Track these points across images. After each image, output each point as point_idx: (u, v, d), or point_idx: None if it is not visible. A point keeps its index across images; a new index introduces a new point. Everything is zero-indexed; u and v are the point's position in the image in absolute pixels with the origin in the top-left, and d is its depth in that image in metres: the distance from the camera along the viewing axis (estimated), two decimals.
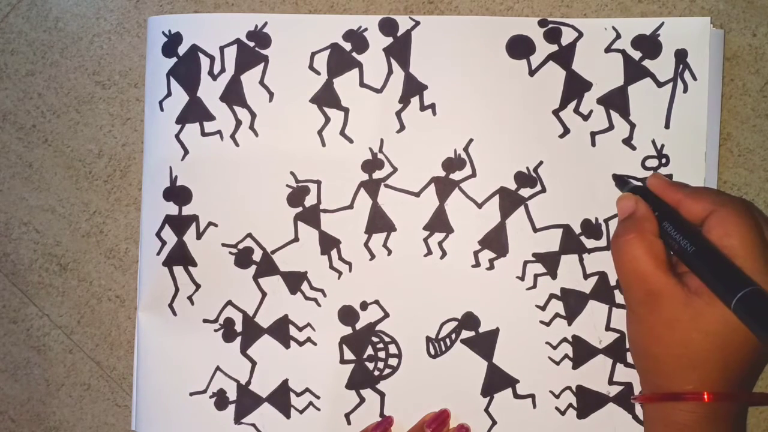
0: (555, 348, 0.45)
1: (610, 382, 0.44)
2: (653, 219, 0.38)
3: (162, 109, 0.46)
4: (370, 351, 0.46)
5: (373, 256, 0.45)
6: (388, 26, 0.45)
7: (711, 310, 0.35)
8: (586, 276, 0.45)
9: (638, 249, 0.37)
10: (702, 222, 0.37)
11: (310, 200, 0.46)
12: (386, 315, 0.45)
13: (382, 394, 0.46)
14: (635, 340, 0.38)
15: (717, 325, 0.35)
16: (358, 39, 0.45)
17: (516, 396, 0.45)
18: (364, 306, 0.46)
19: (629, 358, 0.44)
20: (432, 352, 0.45)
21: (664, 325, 0.36)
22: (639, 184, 0.42)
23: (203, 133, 0.46)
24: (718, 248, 0.35)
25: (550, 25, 0.44)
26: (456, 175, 0.45)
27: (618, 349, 0.44)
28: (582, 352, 0.45)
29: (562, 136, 0.45)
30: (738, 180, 0.45)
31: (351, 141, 0.46)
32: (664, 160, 0.44)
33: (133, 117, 0.48)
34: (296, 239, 0.46)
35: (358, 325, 0.46)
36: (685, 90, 0.44)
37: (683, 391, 0.36)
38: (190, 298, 0.46)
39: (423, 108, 0.45)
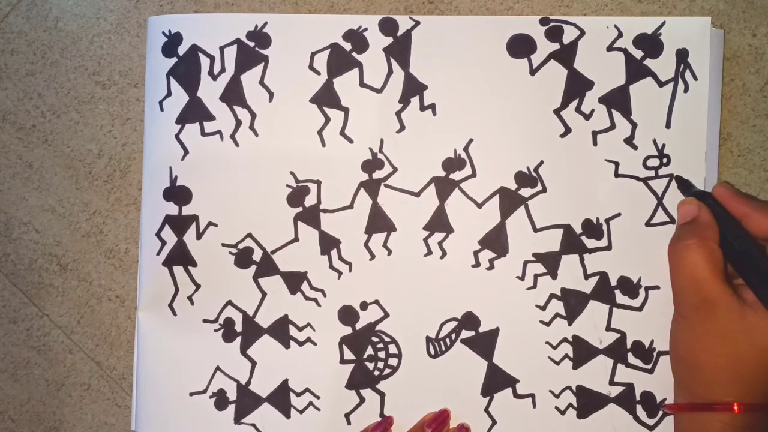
0: (555, 348, 0.44)
1: (611, 382, 0.44)
2: (715, 227, 0.38)
3: (162, 109, 0.46)
4: (370, 351, 0.46)
5: (373, 256, 0.45)
6: (388, 26, 0.45)
7: (765, 325, 0.34)
8: (586, 276, 0.45)
9: (698, 255, 0.36)
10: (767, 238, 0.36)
11: (310, 200, 0.46)
12: (386, 315, 0.45)
13: (382, 394, 0.45)
14: (681, 347, 0.38)
15: None
16: (358, 39, 0.45)
17: (516, 396, 0.45)
18: (364, 306, 0.46)
19: (630, 359, 0.44)
20: (432, 352, 0.45)
21: (715, 335, 0.36)
22: (703, 189, 0.42)
23: (203, 133, 0.46)
24: None
25: (552, 24, 0.44)
26: (456, 175, 0.45)
27: (619, 350, 0.44)
28: (582, 353, 0.44)
29: (563, 135, 0.44)
30: (738, 180, 0.45)
31: (351, 141, 0.46)
32: (665, 160, 0.44)
33: (133, 117, 0.48)
34: (296, 239, 0.46)
35: (358, 325, 0.46)
36: (686, 90, 0.44)
37: (713, 402, 0.35)
38: (190, 298, 0.46)
39: (423, 108, 0.45)
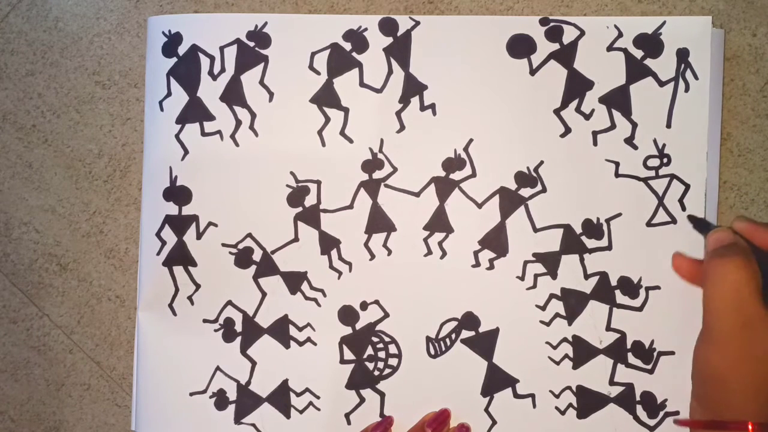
0: (555, 348, 0.44)
1: (611, 382, 0.44)
2: (752, 253, 0.37)
3: (162, 109, 0.46)
4: (370, 351, 0.46)
5: (373, 256, 0.45)
6: (388, 26, 0.45)
7: None
8: (586, 276, 0.45)
9: (743, 272, 0.35)
10: None
11: (310, 200, 0.46)
12: (386, 315, 0.45)
13: (382, 394, 0.45)
14: (712, 366, 0.36)
15: None
16: (358, 39, 0.45)
17: (516, 396, 0.45)
18: (364, 306, 0.46)
19: (630, 359, 0.44)
20: (432, 352, 0.45)
21: (755, 360, 0.35)
22: (722, 226, 0.41)
23: (203, 133, 0.46)
24: None
25: (552, 24, 0.44)
26: (456, 175, 0.45)
27: (619, 350, 0.44)
28: (582, 352, 0.44)
29: (563, 135, 0.44)
30: (738, 180, 0.45)
31: (351, 141, 0.46)
32: (665, 160, 0.44)
33: (133, 117, 0.48)
34: (296, 239, 0.46)
35: (358, 325, 0.46)
36: (687, 89, 0.44)
37: (727, 420, 0.35)
38: (190, 298, 0.46)
39: (423, 108, 0.45)
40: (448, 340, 0.45)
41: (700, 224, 0.42)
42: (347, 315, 0.46)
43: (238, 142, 0.46)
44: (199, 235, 0.46)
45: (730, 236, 0.38)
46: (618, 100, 0.44)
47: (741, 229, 0.39)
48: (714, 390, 0.37)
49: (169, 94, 0.46)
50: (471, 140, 0.45)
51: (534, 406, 0.45)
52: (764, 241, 0.38)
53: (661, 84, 0.44)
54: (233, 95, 0.46)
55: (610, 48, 0.44)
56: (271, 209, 0.46)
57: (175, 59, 0.46)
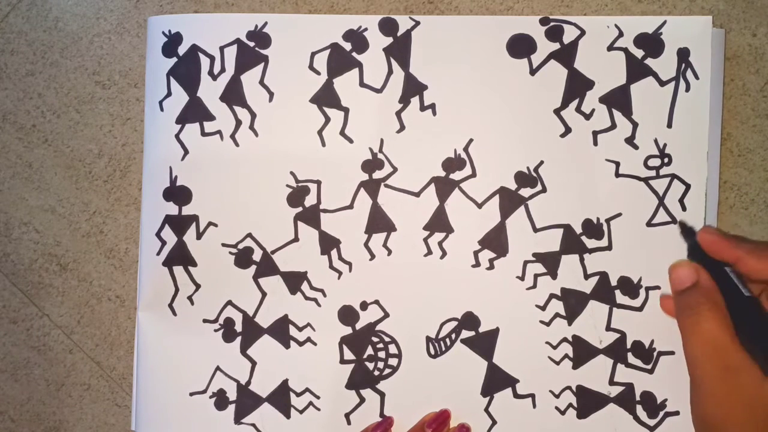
0: (555, 348, 0.44)
1: (611, 382, 0.44)
2: (718, 289, 0.37)
3: (162, 109, 0.46)
4: (370, 351, 0.46)
5: (373, 256, 0.45)
6: (388, 26, 0.45)
7: None
8: (586, 276, 0.44)
9: (714, 322, 0.35)
10: (765, 281, 0.36)
11: (310, 200, 0.46)
12: (386, 315, 0.45)
13: (382, 394, 0.45)
14: (707, 416, 0.36)
15: None
16: (358, 39, 0.45)
17: (516, 396, 0.45)
18: (364, 306, 0.46)
19: (630, 359, 0.44)
20: (432, 352, 0.45)
21: (743, 405, 0.35)
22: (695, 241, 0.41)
23: (203, 133, 0.46)
24: None
25: (552, 24, 0.44)
26: (456, 175, 0.45)
27: (619, 350, 0.44)
28: (582, 352, 0.44)
29: (563, 135, 0.44)
30: (738, 180, 0.45)
31: (351, 141, 0.45)
32: (666, 160, 0.44)
33: (133, 117, 0.48)
34: (296, 239, 0.46)
35: (358, 325, 0.46)
36: (687, 89, 0.44)
37: None
38: (190, 298, 0.46)
39: (423, 108, 0.45)
40: (448, 340, 0.45)
41: (686, 231, 0.42)
42: (347, 315, 0.46)
43: (238, 142, 0.46)
44: (199, 235, 0.46)
45: (692, 275, 0.38)
46: (618, 100, 0.44)
47: (706, 242, 0.39)
48: None
49: (169, 94, 0.46)
50: (471, 140, 0.45)
51: (534, 406, 0.45)
52: (730, 255, 0.37)
53: (662, 84, 0.44)
54: (233, 95, 0.46)
55: (610, 48, 0.44)
56: (271, 209, 0.46)
57: (175, 59, 0.46)
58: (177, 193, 0.46)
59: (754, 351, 0.35)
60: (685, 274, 0.38)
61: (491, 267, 0.45)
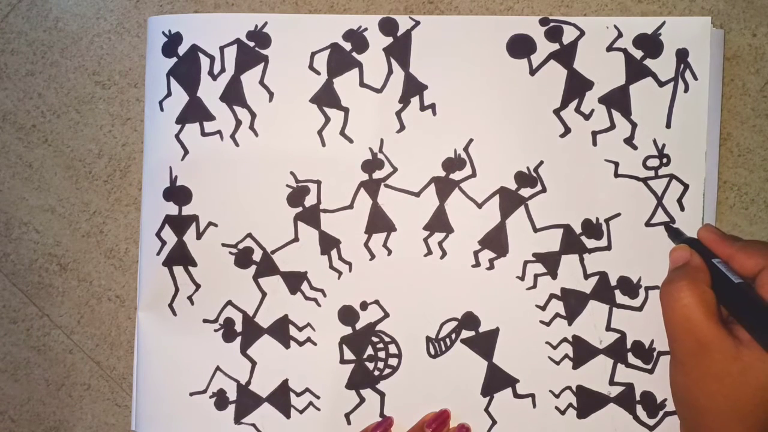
0: (555, 348, 0.44)
1: (611, 382, 0.44)
2: (706, 270, 0.38)
3: (162, 109, 0.46)
4: (370, 351, 0.46)
5: (373, 256, 0.45)
6: (388, 26, 0.45)
7: (761, 365, 0.34)
8: (586, 276, 0.45)
9: (690, 297, 0.36)
10: (754, 277, 0.36)
11: (310, 200, 0.46)
12: (386, 315, 0.45)
13: (382, 394, 0.45)
14: (680, 391, 0.38)
15: (766, 378, 0.34)
16: (358, 39, 0.45)
17: (516, 396, 0.45)
18: (364, 306, 0.46)
19: (630, 359, 0.44)
20: (432, 352, 0.45)
21: (712, 379, 0.35)
22: (692, 237, 0.41)
23: (203, 133, 0.46)
24: None
25: (552, 24, 0.44)
26: (456, 175, 0.45)
27: (619, 350, 0.44)
28: (582, 352, 0.44)
29: (563, 135, 0.44)
30: (738, 180, 0.45)
31: (351, 141, 0.46)
32: (665, 160, 0.44)
33: (133, 117, 0.48)
34: (296, 239, 0.46)
35: (358, 325, 0.46)
36: (686, 89, 0.44)
37: None
38: (190, 298, 0.46)
39: (423, 108, 0.45)
40: (448, 340, 0.45)
41: (673, 233, 0.43)
42: (347, 315, 0.46)
43: (238, 142, 0.46)
44: (199, 235, 0.46)
45: (686, 255, 0.39)
46: (618, 101, 0.44)
47: (704, 239, 0.40)
48: (691, 412, 0.37)
49: (169, 94, 0.46)
50: (471, 140, 0.45)
51: (534, 406, 0.45)
52: (723, 253, 0.38)
53: (661, 84, 0.44)
54: (233, 95, 0.46)
55: (609, 48, 0.44)
56: (271, 209, 0.46)
57: (175, 59, 0.46)
58: (177, 193, 0.46)
59: (755, 333, 0.35)
60: (680, 255, 0.40)
61: (491, 267, 0.45)
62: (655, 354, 0.44)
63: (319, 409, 0.46)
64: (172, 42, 0.46)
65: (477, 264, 0.45)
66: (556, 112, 0.44)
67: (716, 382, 0.35)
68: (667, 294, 0.37)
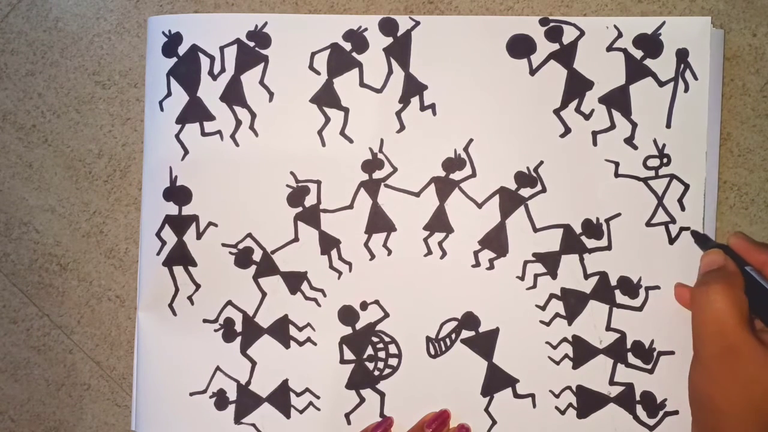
0: (555, 348, 0.44)
1: (611, 382, 0.44)
2: (741, 276, 0.37)
3: (162, 109, 0.46)
4: (370, 351, 0.46)
5: (373, 256, 0.45)
6: (388, 26, 0.45)
7: None
8: (586, 276, 0.45)
9: (725, 300, 0.36)
10: None
11: (310, 200, 0.46)
12: (386, 315, 0.45)
13: (382, 394, 0.45)
14: (701, 392, 0.37)
15: None
16: (358, 39, 0.45)
17: (516, 396, 0.45)
18: (364, 306, 0.46)
19: (630, 359, 0.44)
20: (432, 352, 0.45)
21: (739, 385, 0.35)
22: (722, 243, 0.41)
23: (203, 133, 0.46)
24: None
25: (552, 24, 0.44)
26: (456, 175, 0.45)
27: (619, 350, 0.44)
28: (582, 352, 0.44)
29: (563, 135, 0.44)
30: (738, 180, 0.45)
31: (351, 141, 0.46)
32: (665, 160, 0.44)
33: (133, 117, 0.48)
34: (296, 239, 0.46)
35: (358, 325, 0.46)
36: (686, 89, 0.44)
37: None
38: (190, 298, 0.46)
39: (423, 108, 0.45)
40: (448, 340, 0.45)
41: (700, 239, 0.42)
42: (347, 315, 0.46)
43: (238, 142, 0.46)
44: (199, 235, 0.46)
45: (720, 260, 0.39)
46: (618, 101, 0.44)
47: (735, 246, 0.40)
48: (708, 414, 0.37)
49: (169, 94, 0.46)
50: (471, 140, 0.45)
51: (534, 406, 0.45)
52: (756, 260, 0.38)
53: (661, 84, 0.44)
54: (233, 95, 0.46)
55: (609, 48, 0.44)
56: (271, 209, 0.46)
57: (175, 59, 0.46)
58: (177, 193, 0.46)
59: None
60: (714, 259, 0.39)
61: (491, 267, 0.45)
62: (655, 354, 0.44)
63: (319, 409, 0.46)
64: (172, 42, 0.46)
65: (477, 264, 0.45)
66: (556, 112, 0.44)
67: (742, 387, 0.35)
68: (701, 295, 0.37)
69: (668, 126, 0.44)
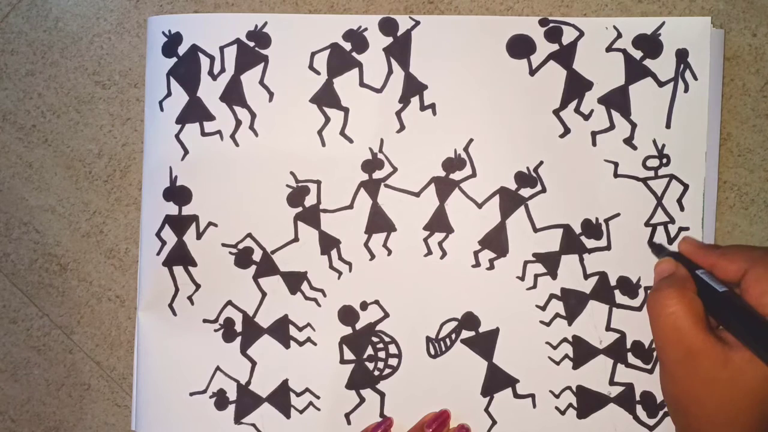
0: (555, 348, 0.45)
1: (611, 382, 0.44)
2: (692, 279, 0.38)
3: (162, 109, 0.46)
4: (370, 351, 0.46)
5: (373, 256, 0.45)
6: (388, 26, 0.45)
7: (750, 367, 0.34)
8: (586, 276, 0.45)
9: (678, 305, 0.36)
10: (738, 282, 0.36)
11: (310, 200, 0.46)
12: (386, 315, 0.45)
13: (382, 394, 0.45)
14: (672, 399, 0.38)
15: (756, 382, 0.34)
16: (358, 39, 0.45)
17: (516, 396, 0.45)
18: (364, 306, 0.46)
19: (630, 359, 0.44)
20: (432, 352, 0.45)
21: (702, 386, 0.35)
22: (675, 250, 0.41)
23: (203, 133, 0.46)
24: (756, 307, 0.35)
25: (551, 25, 0.44)
26: (456, 175, 0.45)
27: (619, 350, 0.44)
28: (582, 352, 0.44)
29: (562, 135, 0.45)
30: (738, 180, 0.45)
31: (351, 141, 0.46)
32: (665, 160, 0.44)
33: (133, 117, 0.48)
34: (296, 239, 0.46)
35: (358, 325, 0.46)
36: (686, 90, 0.44)
37: None
38: (190, 298, 0.46)
39: (423, 108, 0.45)
40: (448, 340, 0.45)
41: (656, 249, 0.43)
42: (347, 315, 0.46)
43: (238, 142, 0.46)
44: (199, 235, 0.46)
45: (671, 267, 0.39)
46: (617, 101, 0.44)
47: (685, 251, 0.40)
48: (682, 419, 0.38)
49: (169, 94, 0.46)
50: (471, 140, 0.45)
51: (534, 406, 0.45)
52: (705, 262, 0.38)
53: (661, 84, 0.44)
54: (233, 95, 0.46)
55: (609, 49, 0.44)
56: (271, 209, 0.46)
57: (175, 59, 0.46)
58: (177, 193, 0.46)
59: (744, 339, 0.35)
60: (665, 267, 0.40)
61: (491, 267, 0.45)
62: (654, 354, 0.44)
63: (319, 409, 0.46)
64: (172, 42, 0.46)
65: (477, 264, 0.45)
66: (556, 112, 0.44)
67: (706, 388, 0.35)
68: (655, 302, 0.37)
69: (668, 126, 0.44)
